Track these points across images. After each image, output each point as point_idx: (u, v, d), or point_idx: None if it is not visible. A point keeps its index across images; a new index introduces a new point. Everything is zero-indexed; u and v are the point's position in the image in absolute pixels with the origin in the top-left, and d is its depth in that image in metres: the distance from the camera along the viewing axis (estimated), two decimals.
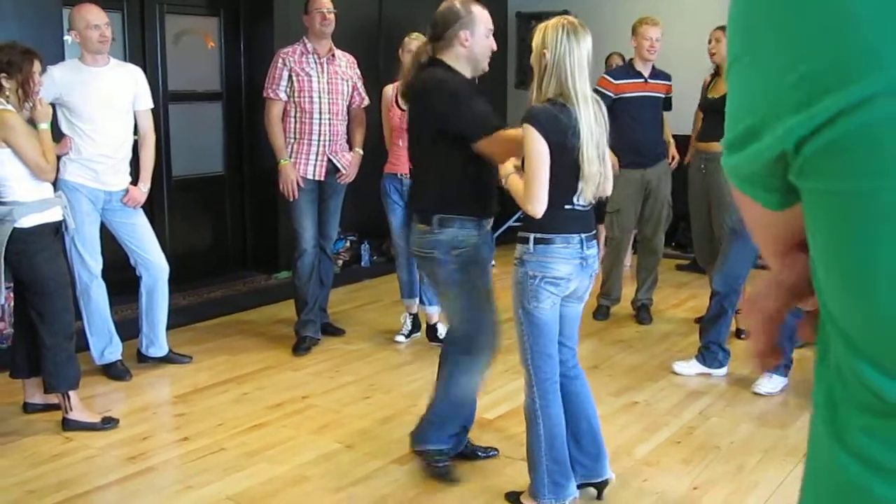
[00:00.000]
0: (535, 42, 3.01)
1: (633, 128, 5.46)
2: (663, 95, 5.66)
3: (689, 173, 5.66)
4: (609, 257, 5.83)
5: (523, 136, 2.93)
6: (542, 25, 3.02)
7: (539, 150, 2.90)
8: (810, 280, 0.86)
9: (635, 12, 5.92)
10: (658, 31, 5.50)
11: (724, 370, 4.75)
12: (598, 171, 3.02)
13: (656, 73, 5.63)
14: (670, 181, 5.78)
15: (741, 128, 0.82)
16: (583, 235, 3.05)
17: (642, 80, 5.52)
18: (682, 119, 6.08)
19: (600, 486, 3.30)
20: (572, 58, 2.95)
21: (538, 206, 2.93)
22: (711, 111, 5.46)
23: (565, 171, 2.97)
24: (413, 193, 3.56)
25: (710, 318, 4.71)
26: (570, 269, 3.03)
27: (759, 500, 3.37)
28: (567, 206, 3.01)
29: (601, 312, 5.89)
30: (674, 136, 5.96)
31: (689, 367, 4.77)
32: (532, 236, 3.01)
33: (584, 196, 3.03)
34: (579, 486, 3.26)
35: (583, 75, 2.98)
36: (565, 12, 7.18)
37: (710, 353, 4.72)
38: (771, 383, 4.50)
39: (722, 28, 5.45)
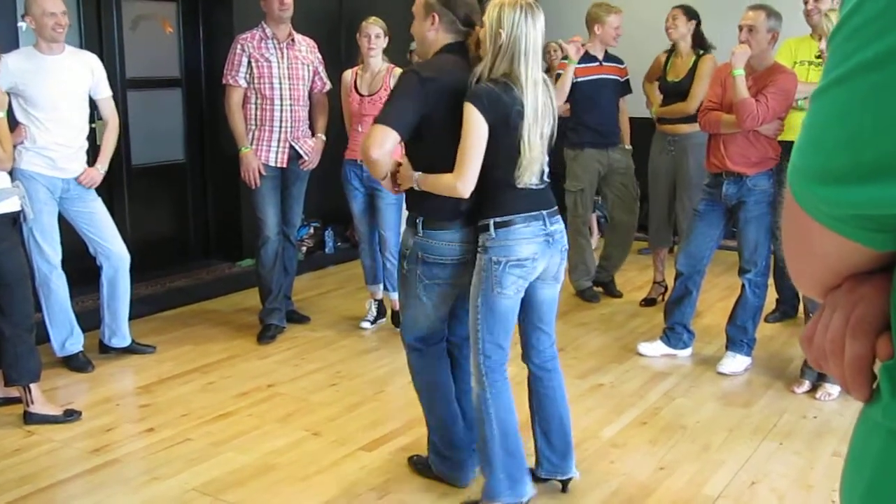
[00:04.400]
0: (490, 18, 2.90)
1: (592, 110, 5.60)
2: (619, 78, 5.72)
3: (651, 154, 5.69)
4: (574, 237, 5.86)
5: (466, 115, 2.85)
6: (496, 2, 2.91)
7: (477, 129, 2.85)
8: (884, 310, 0.81)
9: None
10: (620, 18, 5.58)
11: (688, 351, 4.80)
12: (541, 155, 2.96)
13: (609, 57, 5.72)
14: (632, 163, 5.83)
15: (868, 157, 0.68)
16: (544, 212, 2.98)
17: (597, 63, 5.60)
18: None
19: (565, 482, 3.28)
20: (528, 40, 2.88)
21: (468, 184, 2.89)
22: (670, 94, 5.49)
23: (509, 150, 2.91)
24: None
25: (674, 299, 4.74)
26: (535, 248, 2.95)
27: (724, 478, 3.41)
28: (520, 186, 2.95)
29: (590, 294, 5.91)
30: (634, 119, 5.97)
31: (654, 349, 4.80)
32: (491, 221, 2.94)
33: (525, 178, 2.94)
34: (545, 479, 3.27)
35: (536, 58, 2.92)
36: None
37: (675, 334, 4.76)
38: (735, 363, 4.54)
39: (680, 7, 5.46)
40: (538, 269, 3.01)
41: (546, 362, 3.22)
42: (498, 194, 2.95)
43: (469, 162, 2.87)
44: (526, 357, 3.24)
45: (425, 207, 3.04)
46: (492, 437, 3.03)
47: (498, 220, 2.93)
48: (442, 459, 3.31)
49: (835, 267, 0.86)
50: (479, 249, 2.99)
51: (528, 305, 3.09)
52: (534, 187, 2.98)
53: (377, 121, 2.90)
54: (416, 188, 3.00)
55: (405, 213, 6.83)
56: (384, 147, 2.86)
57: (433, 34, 3.06)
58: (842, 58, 0.71)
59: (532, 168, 2.94)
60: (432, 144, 2.96)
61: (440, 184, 2.93)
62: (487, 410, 3.03)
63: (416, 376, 3.31)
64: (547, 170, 3.03)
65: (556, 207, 3.06)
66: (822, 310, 0.90)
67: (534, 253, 2.96)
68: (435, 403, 3.29)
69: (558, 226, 3.04)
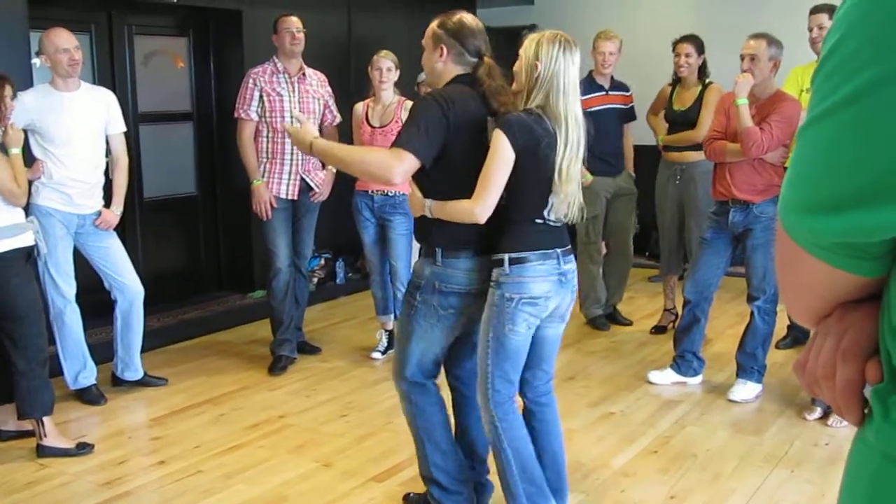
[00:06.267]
0: (527, 52, 2.91)
1: (600, 139, 5.56)
2: (623, 106, 5.75)
3: (657, 182, 5.72)
4: (586, 265, 5.89)
5: (495, 141, 2.83)
6: (534, 36, 2.94)
7: (504, 156, 2.83)
8: (872, 336, 0.83)
9: (600, 26, 5.96)
10: (613, 45, 5.59)
11: (698, 378, 4.79)
12: (577, 190, 2.95)
13: (615, 85, 5.76)
14: (635, 190, 5.87)
15: (849, 188, 0.71)
16: (559, 250, 2.95)
17: (603, 92, 5.65)
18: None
19: None
20: (567, 76, 2.89)
21: (485, 211, 2.86)
22: (678, 123, 5.52)
23: (536, 183, 2.90)
24: None
25: (683, 327, 4.74)
26: (549, 286, 2.92)
27: None
28: (538, 221, 2.93)
29: (601, 322, 5.91)
30: (638, 147, 6.00)
31: (665, 377, 4.80)
32: (506, 257, 2.90)
33: (555, 212, 2.94)
34: None
35: (575, 94, 2.92)
36: (533, 26, 7.28)
37: (685, 362, 4.76)
38: (746, 390, 4.53)
39: (690, 43, 5.47)
40: (550, 308, 2.98)
41: (540, 397, 3.17)
42: (514, 229, 2.93)
43: (490, 187, 2.84)
44: (520, 389, 3.14)
45: (440, 236, 2.99)
46: (509, 467, 3.01)
47: (513, 255, 2.90)
48: (450, 495, 3.21)
49: (824, 295, 0.89)
50: (491, 284, 2.95)
51: (530, 343, 3.03)
52: (552, 224, 2.96)
53: (399, 144, 2.86)
54: (429, 216, 2.98)
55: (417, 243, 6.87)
56: (405, 176, 2.88)
57: (441, 65, 3.07)
58: (823, 96, 0.74)
59: (568, 201, 2.93)
60: (445, 172, 2.92)
61: (456, 210, 2.91)
62: (501, 444, 3.00)
63: (420, 415, 3.18)
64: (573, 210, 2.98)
65: (570, 247, 3.03)
66: (814, 337, 0.93)
67: (547, 291, 2.93)
68: (441, 440, 3.18)
69: (571, 265, 3.01)
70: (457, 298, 3.02)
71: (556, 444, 3.19)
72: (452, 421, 3.31)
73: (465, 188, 2.89)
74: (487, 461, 3.33)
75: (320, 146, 3.05)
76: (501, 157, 2.84)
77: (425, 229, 3.05)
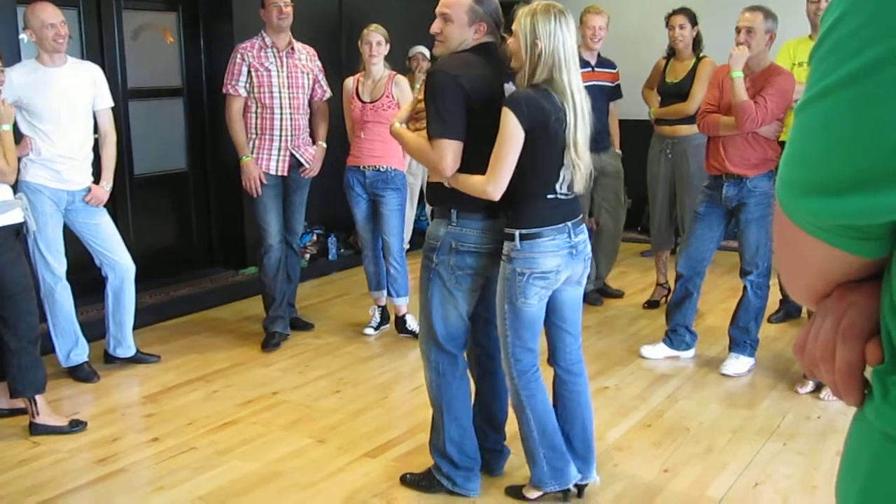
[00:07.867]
0: (524, 29, 2.89)
1: None
2: (609, 84, 5.71)
3: (649, 156, 5.70)
4: None
5: (503, 120, 2.86)
6: (527, 10, 2.90)
7: (513, 134, 2.86)
8: (873, 316, 0.83)
9: (593, 0, 5.92)
10: (601, 19, 5.55)
11: (691, 352, 4.80)
12: (588, 162, 2.99)
13: (601, 62, 5.72)
14: (621, 168, 5.84)
15: (849, 170, 0.70)
16: (569, 223, 3.00)
17: (589, 68, 5.60)
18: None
19: (582, 486, 3.26)
20: (566, 48, 2.90)
21: (498, 189, 2.91)
22: (670, 95, 5.50)
23: (547, 159, 2.93)
24: None
25: (675, 301, 4.75)
26: (559, 261, 2.98)
27: (728, 479, 3.41)
28: (550, 196, 2.97)
29: (593, 298, 5.90)
30: (633, 122, 5.98)
31: (657, 351, 4.81)
32: (517, 232, 2.95)
33: (573, 185, 2.98)
34: None
35: (575, 65, 2.94)
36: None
37: (677, 336, 4.76)
38: (738, 364, 4.55)
39: (684, 14, 5.45)
40: (561, 279, 3.04)
41: (573, 365, 3.23)
42: (527, 204, 2.97)
43: (502, 166, 2.88)
44: (552, 359, 3.24)
45: (456, 200, 3.03)
46: (531, 434, 3.11)
47: (524, 231, 2.95)
48: (460, 471, 3.25)
49: (824, 275, 0.87)
50: (503, 258, 3.01)
51: (549, 307, 3.10)
52: (563, 197, 2.99)
53: (434, 135, 2.93)
54: (446, 185, 3.02)
55: (409, 217, 6.87)
56: (456, 162, 2.94)
57: (473, 42, 3.06)
58: (822, 74, 0.73)
59: (583, 174, 2.98)
60: (465, 142, 2.96)
61: (470, 184, 2.95)
62: (525, 412, 3.09)
63: (445, 386, 3.22)
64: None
65: (581, 217, 3.08)
66: (813, 318, 0.91)
67: (557, 265, 2.98)
68: (461, 415, 3.24)
69: (582, 236, 3.06)
70: (473, 258, 3.08)
71: (586, 413, 3.26)
72: (474, 389, 3.38)
73: (482, 159, 2.91)
74: (504, 429, 3.45)
75: (396, 130, 3.19)
76: (511, 134, 2.87)
77: (441, 193, 3.09)
